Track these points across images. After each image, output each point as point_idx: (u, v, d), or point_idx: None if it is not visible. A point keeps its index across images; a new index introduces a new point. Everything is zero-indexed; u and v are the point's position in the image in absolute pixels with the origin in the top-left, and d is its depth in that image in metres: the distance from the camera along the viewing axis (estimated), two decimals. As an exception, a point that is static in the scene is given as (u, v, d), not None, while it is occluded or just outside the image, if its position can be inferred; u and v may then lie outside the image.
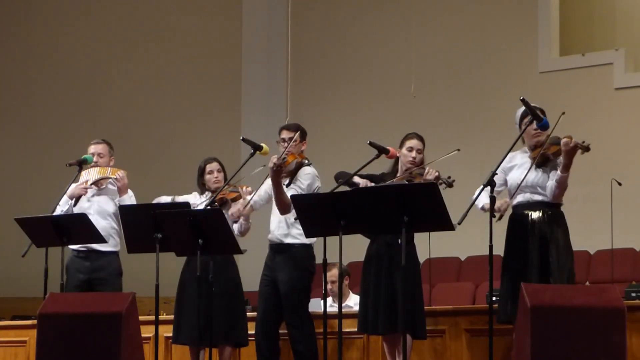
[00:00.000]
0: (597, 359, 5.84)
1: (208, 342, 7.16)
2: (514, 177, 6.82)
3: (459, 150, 6.93)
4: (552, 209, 6.74)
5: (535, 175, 6.74)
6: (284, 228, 7.30)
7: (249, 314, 7.70)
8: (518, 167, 6.83)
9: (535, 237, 6.69)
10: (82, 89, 14.68)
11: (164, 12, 14.82)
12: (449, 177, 6.76)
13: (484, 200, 6.66)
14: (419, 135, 7.08)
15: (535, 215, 6.73)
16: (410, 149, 6.99)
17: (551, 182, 6.70)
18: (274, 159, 7.07)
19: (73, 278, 8.07)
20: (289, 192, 7.21)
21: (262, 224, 7.67)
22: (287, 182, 7.30)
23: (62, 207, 8.11)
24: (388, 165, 7.15)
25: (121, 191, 8.08)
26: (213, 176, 7.60)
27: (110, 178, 8.12)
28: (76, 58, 14.75)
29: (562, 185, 6.65)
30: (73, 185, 8.16)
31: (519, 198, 6.80)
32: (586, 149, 6.52)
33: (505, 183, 6.89)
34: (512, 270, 6.72)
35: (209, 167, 7.65)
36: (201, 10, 14.76)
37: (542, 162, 6.73)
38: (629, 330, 6.13)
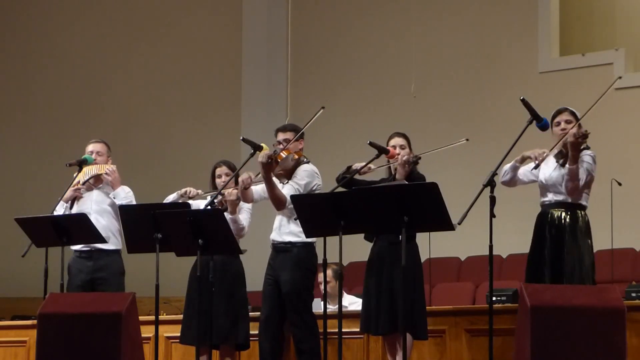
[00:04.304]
0: (597, 359, 5.84)
1: (208, 343, 7.17)
2: (540, 177, 6.89)
3: (467, 139, 6.97)
4: (574, 209, 6.78)
5: (557, 174, 6.78)
6: (286, 227, 7.30)
7: (250, 314, 7.69)
8: (544, 168, 6.88)
9: (553, 236, 6.73)
10: (82, 88, 14.69)
11: (164, 12, 14.83)
12: (415, 155, 6.93)
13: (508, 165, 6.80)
14: (399, 132, 7.19)
15: (556, 214, 6.77)
16: (393, 147, 7.08)
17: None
18: (265, 152, 7.08)
19: (75, 278, 8.07)
20: (286, 189, 7.21)
21: (263, 223, 7.66)
22: (285, 181, 7.30)
23: (59, 211, 8.10)
24: (385, 172, 7.19)
25: (114, 185, 8.09)
26: (221, 180, 7.60)
27: (101, 174, 8.13)
28: (76, 58, 14.76)
29: (571, 178, 6.66)
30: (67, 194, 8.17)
31: (544, 197, 6.86)
32: (584, 136, 6.56)
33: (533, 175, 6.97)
34: (532, 268, 6.78)
35: (218, 171, 7.66)
36: (201, 10, 14.76)
37: (565, 159, 6.76)
38: (629, 330, 6.13)
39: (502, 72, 12.97)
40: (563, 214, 6.78)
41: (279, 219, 7.34)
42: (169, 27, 14.79)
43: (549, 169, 6.85)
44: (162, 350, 7.70)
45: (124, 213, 7.35)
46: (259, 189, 7.43)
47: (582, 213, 6.83)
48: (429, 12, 13.49)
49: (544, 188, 6.88)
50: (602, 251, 11.15)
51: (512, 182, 6.96)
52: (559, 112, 6.91)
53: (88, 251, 8.09)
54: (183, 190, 7.64)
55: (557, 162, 6.84)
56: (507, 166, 6.87)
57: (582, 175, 6.72)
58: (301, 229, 7.12)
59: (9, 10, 14.99)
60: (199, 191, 7.62)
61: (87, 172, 8.15)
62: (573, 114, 6.91)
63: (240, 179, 7.32)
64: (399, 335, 6.68)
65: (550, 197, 6.83)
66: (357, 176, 7.08)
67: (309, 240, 7.21)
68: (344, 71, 14.07)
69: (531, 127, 6.68)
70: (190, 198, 7.58)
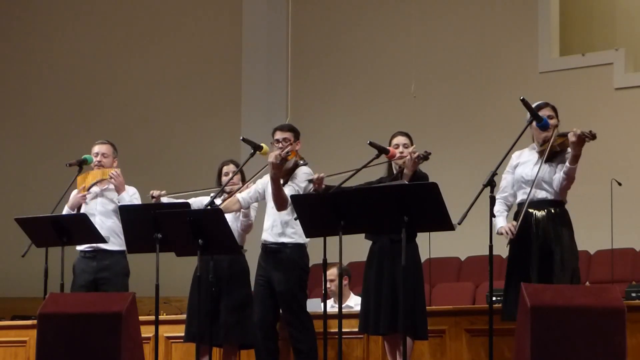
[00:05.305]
0: (597, 359, 5.84)
1: (209, 342, 7.17)
2: (520, 173, 6.83)
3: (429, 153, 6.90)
4: (557, 207, 6.73)
5: (543, 170, 6.71)
6: (278, 228, 7.30)
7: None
8: (523, 164, 6.84)
9: (539, 236, 6.67)
10: (82, 89, 14.69)
11: (164, 13, 14.83)
12: (425, 151, 6.82)
13: (500, 223, 6.71)
14: (402, 132, 7.18)
15: (540, 214, 6.72)
16: (397, 146, 7.05)
17: (558, 175, 6.68)
18: (277, 152, 7.08)
19: (80, 278, 8.07)
20: (287, 191, 7.22)
21: (257, 224, 7.66)
22: (282, 181, 7.30)
23: None
24: (384, 170, 7.18)
25: (118, 189, 8.07)
26: (227, 179, 7.61)
27: (106, 179, 8.10)
28: (76, 58, 14.76)
29: (569, 177, 6.63)
30: (73, 194, 8.14)
31: (522, 196, 6.77)
32: (593, 136, 6.51)
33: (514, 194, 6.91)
34: (517, 270, 6.71)
35: (225, 169, 7.70)
36: (201, 10, 14.76)
37: (551, 156, 6.72)
38: (629, 330, 6.12)
39: (502, 72, 12.97)
40: (548, 212, 6.74)
41: (272, 220, 7.35)
42: (169, 27, 14.79)
43: (529, 166, 6.79)
44: (162, 350, 7.70)
45: (124, 213, 7.34)
46: (245, 195, 7.43)
47: (564, 210, 6.78)
48: (429, 12, 13.50)
49: (524, 185, 6.76)
50: (602, 251, 11.18)
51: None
52: (540, 108, 6.82)
53: (92, 251, 8.08)
54: (151, 193, 7.69)
55: (545, 160, 6.76)
56: (497, 224, 6.78)
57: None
58: (294, 230, 7.19)
59: (9, 11, 14.98)
60: (162, 192, 7.66)
61: (92, 179, 8.09)
62: (554, 109, 6.86)
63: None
64: (399, 336, 6.68)
65: (532, 194, 6.68)
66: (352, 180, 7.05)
67: (301, 241, 7.24)
68: (344, 71, 14.07)
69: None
70: (153, 198, 7.60)
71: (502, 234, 6.69)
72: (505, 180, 6.91)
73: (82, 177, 8.16)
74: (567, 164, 6.64)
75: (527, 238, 6.69)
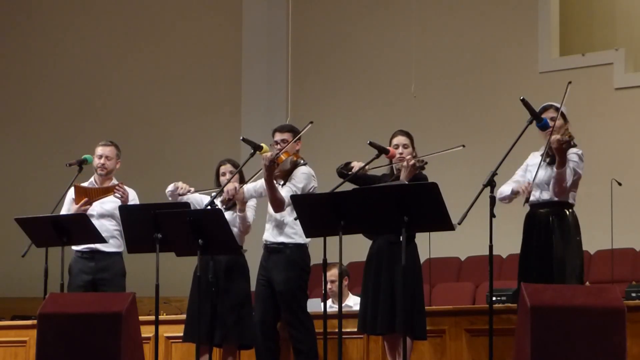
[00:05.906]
0: (597, 359, 5.84)
1: (209, 342, 7.17)
2: (528, 176, 6.87)
3: (464, 146, 6.94)
4: (560, 208, 6.75)
5: (544, 173, 6.76)
6: (279, 228, 7.30)
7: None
8: (532, 166, 6.87)
9: (542, 236, 6.70)
10: (82, 89, 14.69)
11: (164, 13, 14.83)
12: (421, 160, 6.84)
13: (510, 185, 6.76)
14: (403, 131, 7.16)
15: (543, 215, 6.75)
16: (396, 146, 7.04)
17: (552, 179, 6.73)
18: (267, 155, 7.07)
19: (77, 278, 8.05)
20: (284, 191, 7.21)
21: (258, 224, 7.67)
22: (282, 182, 7.29)
23: None
24: (387, 168, 7.17)
25: (124, 201, 7.95)
26: (225, 178, 7.59)
27: (110, 194, 7.98)
28: (76, 58, 14.76)
29: (558, 181, 6.66)
30: (71, 207, 8.03)
31: (531, 197, 6.80)
32: (567, 142, 6.52)
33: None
34: (525, 269, 6.76)
35: (222, 169, 7.65)
36: (201, 10, 14.77)
37: (551, 158, 6.74)
38: (629, 331, 6.13)
39: (502, 72, 12.97)
40: (550, 214, 6.76)
41: (272, 220, 7.34)
42: (169, 28, 14.79)
43: (534, 168, 6.81)
44: (162, 350, 7.70)
45: (124, 213, 7.33)
46: (249, 187, 7.41)
47: (570, 211, 6.80)
48: (429, 12, 13.50)
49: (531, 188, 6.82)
50: (602, 251, 11.18)
51: (511, 201, 6.95)
52: (544, 109, 6.87)
53: (90, 252, 8.06)
54: (178, 185, 7.57)
55: (543, 160, 6.79)
56: (506, 191, 6.83)
57: (569, 176, 6.71)
58: (294, 231, 7.18)
59: (10, 12, 14.99)
60: (191, 189, 7.55)
61: (95, 195, 8.00)
62: (557, 109, 6.86)
63: (225, 189, 7.32)
64: (399, 336, 6.69)
65: (537, 196, 6.77)
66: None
67: (302, 241, 7.24)
68: (344, 71, 14.07)
69: (531, 126, 6.68)
70: (180, 195, 7.50)
71: (518, 192, 6.73)
72: (516, 175, 6.98)
73: (83, 190, 8.03)
74: (554, 167, 6.67)
75: (533, 238, 6.73)
